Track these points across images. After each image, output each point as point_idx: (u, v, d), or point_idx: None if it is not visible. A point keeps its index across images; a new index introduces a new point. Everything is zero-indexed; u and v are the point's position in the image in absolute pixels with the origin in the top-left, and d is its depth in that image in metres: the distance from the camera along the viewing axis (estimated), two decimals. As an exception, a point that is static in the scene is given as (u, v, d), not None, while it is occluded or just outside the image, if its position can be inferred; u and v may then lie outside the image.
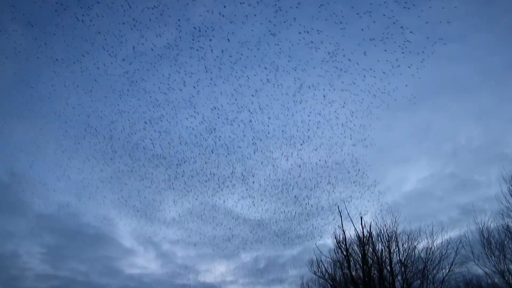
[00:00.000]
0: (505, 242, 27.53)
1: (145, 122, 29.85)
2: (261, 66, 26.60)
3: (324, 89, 26.74)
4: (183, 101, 28.79)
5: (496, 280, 28.52)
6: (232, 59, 26.14)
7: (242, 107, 28.43)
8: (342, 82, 26.79)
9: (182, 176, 32.19)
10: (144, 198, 34.77)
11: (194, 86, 27.51)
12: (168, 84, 28.05)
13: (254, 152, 30.35)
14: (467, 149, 29.83)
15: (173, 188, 33.51)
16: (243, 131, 29.12)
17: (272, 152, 30.52)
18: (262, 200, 33.41)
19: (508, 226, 27.35)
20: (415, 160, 30.90)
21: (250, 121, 29.06)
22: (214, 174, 32.01)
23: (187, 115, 28.88)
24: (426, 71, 25.84)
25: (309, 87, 27.18)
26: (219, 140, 30.10)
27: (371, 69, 26.29)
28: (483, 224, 28.27)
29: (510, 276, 27.05)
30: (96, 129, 31.28)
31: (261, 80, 26.98)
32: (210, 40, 25.76)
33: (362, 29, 25.09)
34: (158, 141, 30.30)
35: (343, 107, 28.50)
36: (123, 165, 32.27)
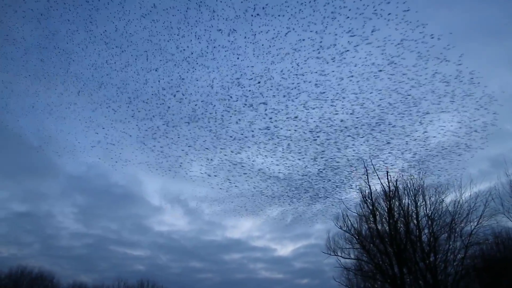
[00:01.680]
0: (537, 194, 26.99)
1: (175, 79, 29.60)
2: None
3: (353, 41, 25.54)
4: (205, 54, 28.18)
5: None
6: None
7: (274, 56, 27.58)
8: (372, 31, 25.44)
9: (210, 132, 32.33)
10: (170, 156, 35.31)
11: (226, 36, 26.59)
12: (191, 41, 27.42)
13: (283, 108, 29.92)
14: (499, 97, 28.49)
15: (200, 145, 33.82)
16: (271, 84, 28.58)
17: (302, 106, 30.04)
18: (290, 153, 33.38)
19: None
20: (444, 110, 29.80)
21: (282, 71, 28.31)
22: (241, 129, 31.89)
23: (211, 70, 28.25)
24: (456, 14, 24.33)
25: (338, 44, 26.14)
26: (246, 95, 29.73)
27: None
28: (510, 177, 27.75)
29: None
30: (122, 90, 31.50)
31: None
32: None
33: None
34: (186, 98, 30.21)
35: (376, 57, 27.34)
36: (149, 124, 32.60)
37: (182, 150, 34.51)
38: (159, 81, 30.44)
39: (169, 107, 31.74)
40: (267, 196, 36.86)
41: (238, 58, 29.01)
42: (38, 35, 31.85)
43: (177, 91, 30.80)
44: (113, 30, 28.44)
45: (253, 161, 34.80)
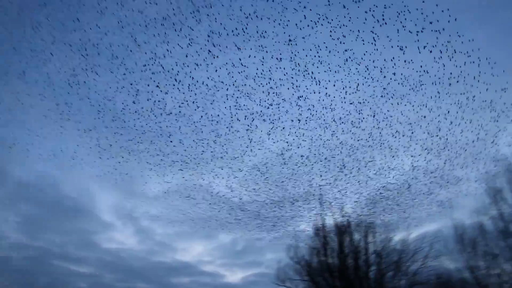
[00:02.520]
0: (477, 239, 28.42)
1: (134, 95, 28.92)
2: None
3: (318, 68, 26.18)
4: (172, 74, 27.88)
5: (465, 275, 29.43)
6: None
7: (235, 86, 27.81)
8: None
9: (168, 153, 31.78)
10: (126, 173, 34.26)
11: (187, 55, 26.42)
12: (158, 57, 27.11)
13: (244, 134, 30.06)
14: (455, 144, 30.11)
15: (157, 164, 33.10)
16: (232, 112, 28.68)
17: (261, 136, 30.33)
18: (246, 181, 33.42)
19: (481, 224, 28.18)
20: (402, 152, 31.05)
21: (240, 104, 28.51)
22: (202, 153, 31.63)
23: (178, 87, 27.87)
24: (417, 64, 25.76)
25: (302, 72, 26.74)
26: (209, 119, 29.65)
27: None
28: (458, 221, 29.18)
29: (479, 272, 27.98)
30: (81, 98, 30.37)
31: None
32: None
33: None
34: (147, 114, 29.57)
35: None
36: (107, 137, 31.51)
37: (140, 168, 33.70)
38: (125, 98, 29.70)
39: (134, 125, 30.88)
40: (221, 221, 36.46)
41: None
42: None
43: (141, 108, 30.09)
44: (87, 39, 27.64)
45: (210, 185, 34.55)
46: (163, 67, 26.97)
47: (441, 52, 24.94)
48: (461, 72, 25.89)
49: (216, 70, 27.34)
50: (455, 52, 24.64)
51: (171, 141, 31.42)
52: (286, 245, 34.41)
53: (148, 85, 28.34)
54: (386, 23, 23.03)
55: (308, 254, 33.01)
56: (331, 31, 24.29)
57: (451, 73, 26.31)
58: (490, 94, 27.13)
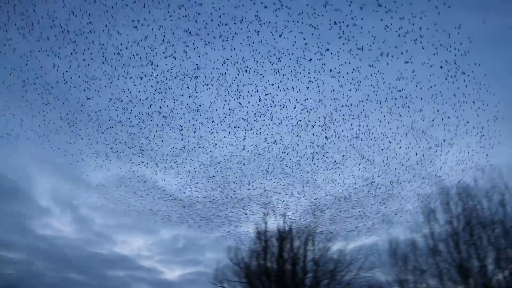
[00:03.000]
0: (409, 255, 29.76)
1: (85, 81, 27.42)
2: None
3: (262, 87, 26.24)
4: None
5: (395, 288, 30.75)
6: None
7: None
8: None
9: (116, 142, 30.46)
10: (69, 157, 32.40)
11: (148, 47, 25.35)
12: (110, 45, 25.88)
13: (195, 131, 29.45)
14: (398, 163, 31.26)
15: (104, 153, 31.62)
16: (188, 108, 28.04)
17: (213, 134, 29.87)
18: (193, 179, 32.84)
19: (414, 241, 29.55)
20: (349, 164, 31.79)
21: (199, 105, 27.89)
22: (151, 144, 30.60)
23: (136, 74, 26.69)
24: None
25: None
26: (162, 111, 28.73)
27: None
28: (393, 236, 30.47)
29: (408, 286, 29.33)
30: (28, 77, 28.35)
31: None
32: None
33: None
34: (96, 98, 28.05)
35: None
36: (53, 117, 29.62)
37: (85, 155, 32.02)
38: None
39: (82, 105, 29.21)
40: (164, 216, 35.61)
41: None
42: None
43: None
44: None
45: (157, 179, 33.63)
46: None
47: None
48: (409, 93, 26.95)
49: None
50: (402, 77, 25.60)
51: (121, 131, 30.27)
52: (227, 246, 34.33)
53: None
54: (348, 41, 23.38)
55: (248, 257, 33.14)
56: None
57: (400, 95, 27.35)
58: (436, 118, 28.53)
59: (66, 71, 27.24)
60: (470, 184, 28.49)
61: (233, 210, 33.31)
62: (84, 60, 26.74)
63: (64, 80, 27.85)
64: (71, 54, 26.40)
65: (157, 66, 26.64)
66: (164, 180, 33.69)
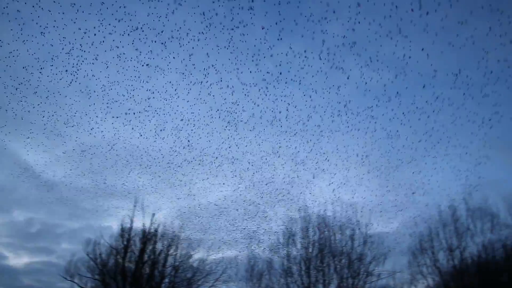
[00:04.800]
0: (264, 273, 31.10)
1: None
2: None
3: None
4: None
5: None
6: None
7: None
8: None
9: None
10: None
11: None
12: None
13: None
14: (273, 184, 32.57)
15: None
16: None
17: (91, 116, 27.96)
18: (64, 161, 30.32)
19: (271, 260, 30.99)
20: (224, 178, 32.32)
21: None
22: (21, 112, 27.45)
23: None
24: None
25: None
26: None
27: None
28: (253, 252, 31.66)
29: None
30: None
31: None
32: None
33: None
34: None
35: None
36: None
37: None
38: None
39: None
40: (20, 196, 32.25)
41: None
42: None
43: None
44: None
45: (21, 152, 30.33)
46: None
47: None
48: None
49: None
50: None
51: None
52: (86, 238, 32.13)
53: None
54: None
55: (106, 253, 31.31)
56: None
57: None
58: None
59: None
60: (330, 215, 30.87)
61: (101, 201, 31.50)
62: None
63: None
64: None
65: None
66: (31, 155, 30.61)
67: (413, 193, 30.17)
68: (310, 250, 30.54)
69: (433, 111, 27.23)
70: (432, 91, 28.88)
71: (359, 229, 30.28)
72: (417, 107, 27.54)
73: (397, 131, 29.18)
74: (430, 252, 30.27)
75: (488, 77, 22.60)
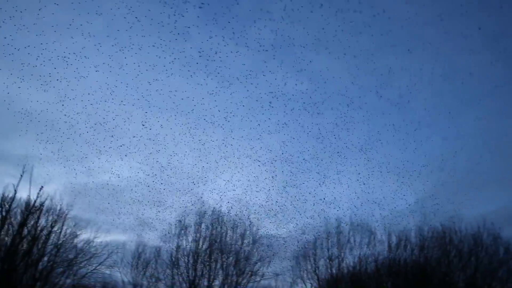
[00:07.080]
0: (151, 262, 30.91)
1: None
2: None
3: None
4: None
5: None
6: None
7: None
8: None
9: None
10: None
11: None
12: None
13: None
14: (174, 168, 32.52)
15: None
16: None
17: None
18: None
19: (159, 249, 30.90)
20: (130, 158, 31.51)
21: None
22: None
23: None
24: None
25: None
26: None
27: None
28: (140, 239, 31.34)
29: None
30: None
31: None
32: None
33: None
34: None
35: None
36: None
37: None
38: None
39: None
40: None
41: None
42: None
43: None
44: None
45: None
46: None
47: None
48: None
49: None
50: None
51: None
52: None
53: None
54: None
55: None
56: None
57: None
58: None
59: None
60: (225, 213, 31.55)
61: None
62: None
63: None
64: None
65: None
66: None
67: (304, 202, 31.72)
68: (200, 244, 30.91)
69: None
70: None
71: (250, 229, 31.38)
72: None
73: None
74: (312, 259, 32.36)
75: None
